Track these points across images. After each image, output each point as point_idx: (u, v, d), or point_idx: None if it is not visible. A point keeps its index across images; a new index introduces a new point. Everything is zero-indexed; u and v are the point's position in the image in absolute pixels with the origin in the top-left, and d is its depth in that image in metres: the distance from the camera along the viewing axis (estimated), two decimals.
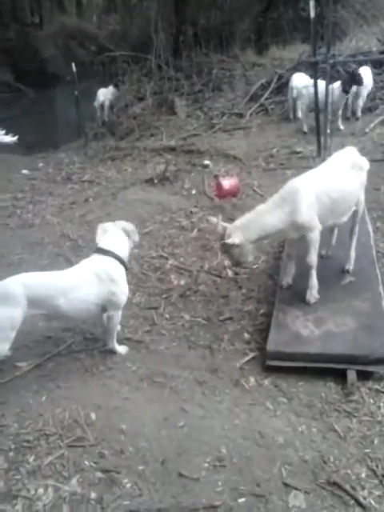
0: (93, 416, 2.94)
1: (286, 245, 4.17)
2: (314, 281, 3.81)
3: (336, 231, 4.34)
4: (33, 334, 3.65)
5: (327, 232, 4.25)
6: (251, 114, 10.11)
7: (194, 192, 6.52)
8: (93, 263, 3.37)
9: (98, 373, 3.39)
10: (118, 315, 3.43)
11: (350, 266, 4.14)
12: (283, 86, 10.33)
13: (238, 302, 4.15)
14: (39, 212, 6.30)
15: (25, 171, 8.57)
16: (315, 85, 7.16)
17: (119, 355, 3.55)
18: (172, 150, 8.43)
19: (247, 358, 3.48)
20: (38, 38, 22.60)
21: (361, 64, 9.34)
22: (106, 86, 12.01)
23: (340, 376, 3.21)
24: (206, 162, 7.49)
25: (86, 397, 3.14)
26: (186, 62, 11.83)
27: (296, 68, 10.63)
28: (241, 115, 10.10)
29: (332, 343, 3.34)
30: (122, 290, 3.37)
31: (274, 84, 10.78)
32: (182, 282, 4.50)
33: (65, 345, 3.67)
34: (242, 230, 3.55)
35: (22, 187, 7.37)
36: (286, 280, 4.04)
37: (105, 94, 11.55)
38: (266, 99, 10.56)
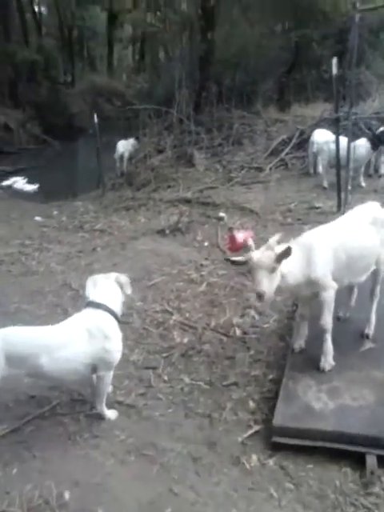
0: (66, 495, 2.56)
1: (299, 304, 3.81)
2: (328, 346, 3.42)
3: (356, 291, 3.97)
4: (15, 393, 3.32)
5: (346, 291, 3.91)
6: (271, 169, 10.00)
7: (206, 244, 6.26)
8: (84, 318, 3.07)
9: (81, 441, 3.02)
10: (109, 376, 3.09)
11: (370, 331, 3.74)
12: (304, 142, 10.26)
13: (244, 365, 3.76)
14: (44, 260, 6.10)
15: (38, 218, 8.50)
16: (337, 140, 7.00)
17: (108, 421, 3.17)
18: (187, 201, 8.29)
19: (251, 432, 3.05)
20: (68, 95, 23.57)
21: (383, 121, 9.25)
22: (127, 138, 12.16)
23: (358, 460, 2.75)
24: (221, 214, 7.28)
25: (64, 470, 2.76)
26: (207, 117, 11.97)
27: (318, 124, 10.60)
28: (260, 169, 10.00)
29: (348, 420, 2.91)
30: (115, 348, 3.05)
31: (296, 139, 10.72)
32: (186, 340, 4.15)
33: (48, 406, 3.32)
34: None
35: (31, 234, 7.25)
36: (299, 343, 3.65)
37: (124, 146, 11.66)
38: (287, 154, 10.47)
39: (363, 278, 3.54)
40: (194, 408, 3.31)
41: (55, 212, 9.34)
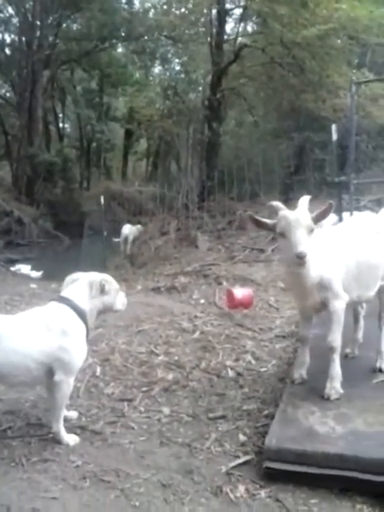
0: None
1: (300, 326, 3.33)
2: (336, 369, 2.90)
3: (362, 324, 3.52)
4: None
5: (351, 327, 3.46)
6: (273, 250, 9.83)
7: (202, 301, 5.86)
8: (45, 311, 2.69)
9: (27, 464, 2.42)
10: (68, 384, 2.59)
11: (383, 364, 3.21)
12: None
13: (236, 400, 3.19)
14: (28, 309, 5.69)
15: (33, 285, 8.21)
16: (339, 204, 6.92)
17: (65, 446, 2.59)
18: (187, 273, 8.00)
19: (238, 462, 2.45)
20: (81, 196, 24.60)
21: None
22: (133, 224, 12.29)
23: (377, 493, 2.14)
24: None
25: None
26: (212, 203, 12.18)
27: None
28: (262, 251, 9.84)
29: (362, 444, 2.33)
30: (74, 347, 2.59)
31: None
32: (170, 377, 3.60)
33: None
34: None
35: (22, 293, 6.91)
36: (299, 372, 3.12)
37: (129, 229, 11.73)
38: None
39: (371, 293, 3.12)
40: (171, 437, 2.72)
41: (53, 285, 9.05)
